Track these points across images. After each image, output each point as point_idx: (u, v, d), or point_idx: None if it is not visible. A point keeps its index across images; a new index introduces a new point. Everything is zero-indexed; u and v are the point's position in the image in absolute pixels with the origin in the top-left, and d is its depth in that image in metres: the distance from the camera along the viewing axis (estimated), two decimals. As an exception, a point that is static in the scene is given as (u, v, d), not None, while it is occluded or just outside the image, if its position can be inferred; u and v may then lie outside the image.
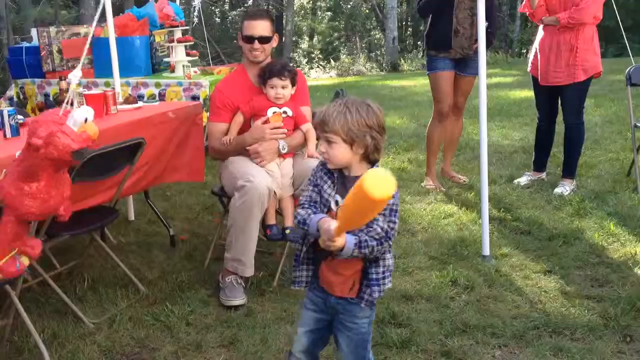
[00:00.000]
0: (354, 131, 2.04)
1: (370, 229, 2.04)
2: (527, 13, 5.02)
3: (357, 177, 1.97)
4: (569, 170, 5.04)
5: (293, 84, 3.59)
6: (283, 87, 3.53)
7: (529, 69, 5.13)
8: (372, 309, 2.23)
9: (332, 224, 1.95)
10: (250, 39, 3.61)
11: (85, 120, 2.49)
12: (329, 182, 2.16)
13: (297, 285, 2.26)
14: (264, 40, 3.62)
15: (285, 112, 3.56)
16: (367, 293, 2.16)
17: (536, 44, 5.01)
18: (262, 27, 3.61)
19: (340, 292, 2.18)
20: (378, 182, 1.74)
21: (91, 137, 2.49)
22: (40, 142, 2.39)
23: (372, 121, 2.07)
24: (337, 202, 2.12)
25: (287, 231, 3.54)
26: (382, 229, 2.05)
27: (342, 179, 2.15)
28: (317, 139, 3.78)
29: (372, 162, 2.14)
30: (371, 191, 1.73)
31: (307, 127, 3.65)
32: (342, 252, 2.01)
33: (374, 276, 2.15)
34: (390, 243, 2.10)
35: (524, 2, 5.03)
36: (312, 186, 2.18)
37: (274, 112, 3.55)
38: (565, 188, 4.95)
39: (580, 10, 4.64)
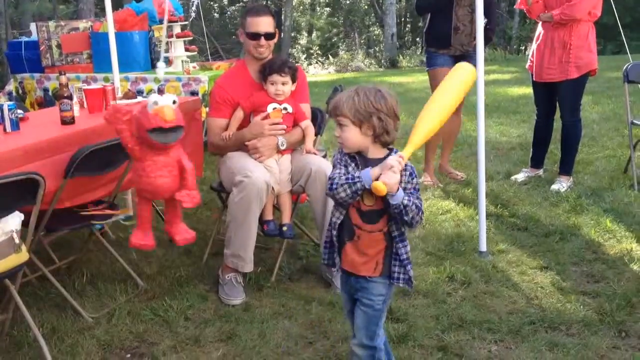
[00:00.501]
0: (360, 112, 2.17)
1: (412, 194, 2.19)
2: (524, 9, 5.04)
3: (377, 159, 2.23)
4: (565, 167, 5.06)
5: (293, 81, 3.60)
6: (283, 84, 3.55)
7: (527, 65, 5.15)
8: (389, 288, 2.33)
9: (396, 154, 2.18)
10: (256, 36, 3.61)
11: (174, 102, 2.83)
12: (353, 164, 2.26)
13: (332, 266, 2.41)
14: (269, 36, 3.63)
15: (285, 109, 3.57)
16: (402, 272, 2.28)
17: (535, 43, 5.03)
18: (266, 24, 3.62)
19: (365, 271, 2.29)
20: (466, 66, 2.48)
21: (163, 118, 2.76)
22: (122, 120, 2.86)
23: (380, 104, 2.18)
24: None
25: (285, 228, 3.56)
26: (417, 202, 2.19)
27: (363, 161, 2.25)
28: (317, 133, 3.81)
29: (386, 145, 2.25)
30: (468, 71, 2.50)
31: (306, 123, 3.67)
32: (396, 195, 2.12)
33: (405, 256, 2.28)
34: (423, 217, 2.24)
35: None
36: (341, 165, 2.27)
37: (274, 109, 3.56)
38: (562, 185, 4.97)
39: (572, 7, 4.64)
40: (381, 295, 2.31)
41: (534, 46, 5.08)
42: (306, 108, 3.76)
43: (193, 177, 3.02)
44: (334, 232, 2.32)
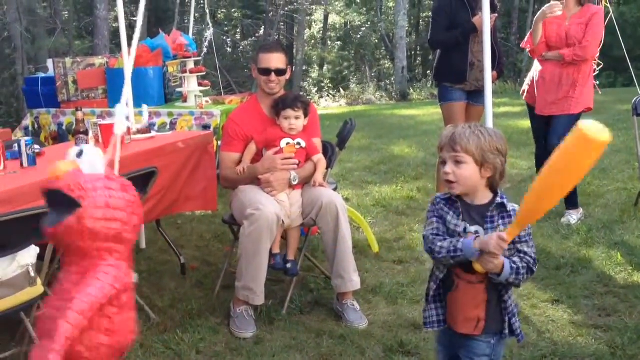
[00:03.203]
0: (486, 152, 2.07)
1: (521, 254, 2.08)
2: (528, 49, 5.13)
3: (482, 206, 2.10)
4: (570, 200, 5.06)
5: (306, 115, 3.66)
6: (296, 118, 3.61)
7: (523, 96, 5.23)
8: (496, 347, 2.16)
9: (501, 232, 1.97)
10: (266, 72, 3.69)
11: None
12: (452, 212, 2.13)
13: (429, 327, 2.23)
14: (280, 72, 3.71)
15: (298, 144, 3.63)
16: (515, 326, 2.15)
17: (533, 74, 5.10)
18: (278, 60, 3.70)
19: (465, 328, 2.15)
20: (596, 127, 1.74)
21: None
22: None
23: (502, 146, 2.11)
24: (476, 232, 2.09)
25: (289, 265, 3.59)
26: (532, 254, 2.09)
27: (466, 207, 2.13)
28: (327, 167, 3.86)
29: (495, 191, 2.14)
30: (596, 134, 1.72)
31: (318, 157, 3.72)
32: (501, 275, 2.01)
33: (512, 307, 2.15)
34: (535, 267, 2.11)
35: (526, 39, 5.12)
36: (436, 218, 2.14)
37: (287, 144, 3.61)
38: (572, 217, 4.97)
39: (584, 48, 4.76)
40: (485, 355, 2.14)
41: (530, 78, 5.15)
42: (318, 142, 3.82)
43: None
44: (435, 287, 2.19)
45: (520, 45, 5.54)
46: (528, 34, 5.09)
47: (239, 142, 3.71)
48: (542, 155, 5.23)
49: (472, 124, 2.15)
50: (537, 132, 5.25)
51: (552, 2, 4.84)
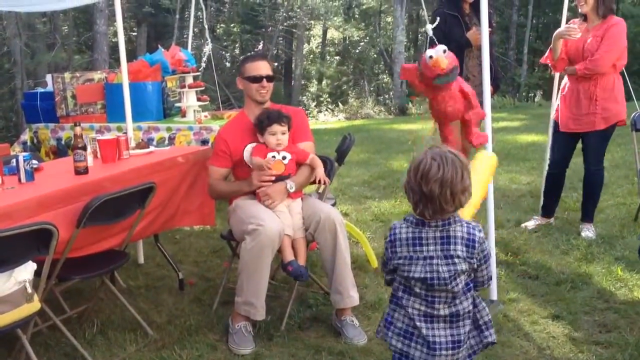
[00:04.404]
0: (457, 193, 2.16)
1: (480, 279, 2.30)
2: (550, 64, 5.07)
3: None
4: (588, 214, 5.07)
5: (289, 129, 3.67)
6: (282, 133, 3.61)
7: (552, 115, 5.18)
8: None
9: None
10: (258, 79, 3.71)
11: (444, 52, 3.46)
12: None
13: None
14: (270, 78, 3.75)
15: (284, 157, 3.62)
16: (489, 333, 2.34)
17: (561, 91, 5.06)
18: (266, 67, 3.75)
19: None
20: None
21: (440, 66, 3.46)
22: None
23: (465, 182, 2.17)
24: None
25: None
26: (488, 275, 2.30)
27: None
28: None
29: None
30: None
31: (311, 157, 3.71)
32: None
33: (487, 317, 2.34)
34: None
35: (546, 54, 5.04)
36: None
37: (272, 157, 3.60)
38: (590, 231, 4.98)
39: (595, 61, 4.67)
40: None
41: (559, 96, 5.11)
42: (309, 145, 3.80)
43: (474, 97, 3.74)
44: None
45: (540, 60, 5.47)
46: (548, 50, 5.03)
47: (225, 158, 3.73)
48: (557, 176, 5.16)
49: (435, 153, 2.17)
50: (557, 152, 5.11)
51: (570, 24, 4.82)
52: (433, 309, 2.23)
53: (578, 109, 4.83)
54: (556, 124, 5.05)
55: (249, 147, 3.68)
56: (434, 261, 2.18)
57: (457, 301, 2.22)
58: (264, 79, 3.72)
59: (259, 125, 3.63)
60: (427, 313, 2.23)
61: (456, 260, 2.18)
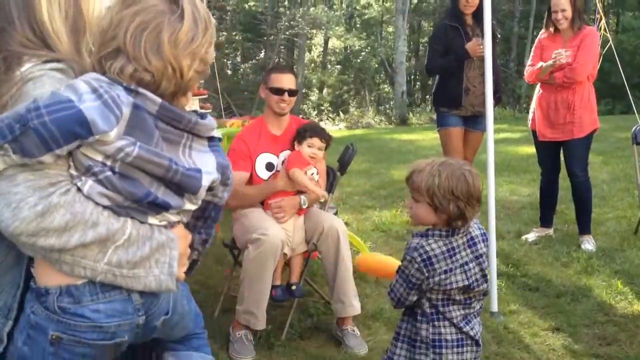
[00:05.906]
0: (438, 196, 2.09)
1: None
2: (525, 76, 5.21)
3: None
4: (585, 226, 5.09)
5: (326, 148, 3.68)
6: (319, 149, 3.62)
7: (529, 124, 5.25)
8: None
9: None
10: (279, 91, 3.70)
11: None
12: None
13: None
14: (292, 93, 3.74)
15: (312, 173, 3.63)
16: None
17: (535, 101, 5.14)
18: (289, 81, 3.74)
19: None
20: None
21: None
22: None
23: (461, 190, 2.09)
24: None
25: (293, 287, 3.57)
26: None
27: None
28: (328, 192, 3.86)
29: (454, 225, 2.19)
30: None
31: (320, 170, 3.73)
32: None
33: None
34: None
35: (529, 71, 5.10)
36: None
37: (311, 174, 3.60)
38: (590, 243, 5.00)
39: (573, 70, 4.77)
40: None
41: (533, 105, 5.19)
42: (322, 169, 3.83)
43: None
44: None
45: (524, 78, 5.59)
46: (531, 69, 5.08)
47: (247, 163, 3.70)
48: (548, 186, 5.22)
49: (441, 163, 2.16)
50: (544, 162, 5.23)
51: (541, 36, 5.05)
52: (470, 308, 2.26)
53: (556, 118, 4.91)
54: (535, 134, 5.12)
55: (285, 153, 3.68)
56: (468, 266, 2.20)
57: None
58: (286, 93, 3.70)
59: (301, 134, 3.65)
60: (466, 315, 2.25)
61: (483, 257, 2.24)
